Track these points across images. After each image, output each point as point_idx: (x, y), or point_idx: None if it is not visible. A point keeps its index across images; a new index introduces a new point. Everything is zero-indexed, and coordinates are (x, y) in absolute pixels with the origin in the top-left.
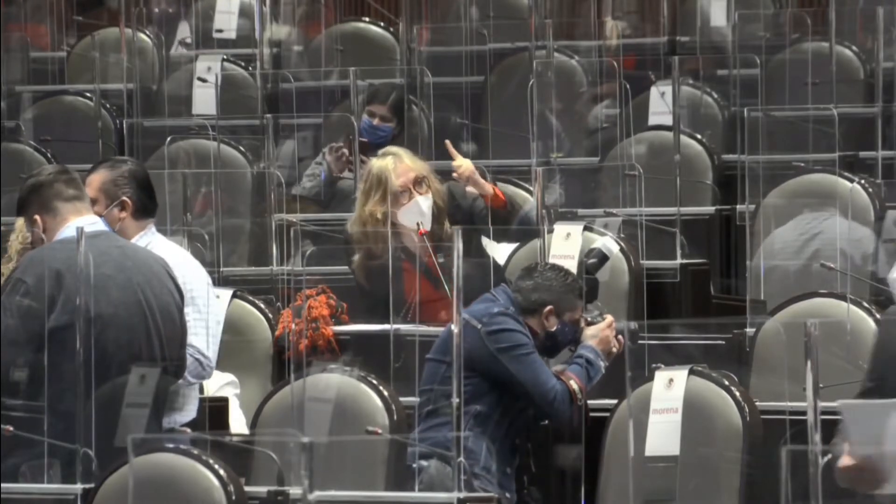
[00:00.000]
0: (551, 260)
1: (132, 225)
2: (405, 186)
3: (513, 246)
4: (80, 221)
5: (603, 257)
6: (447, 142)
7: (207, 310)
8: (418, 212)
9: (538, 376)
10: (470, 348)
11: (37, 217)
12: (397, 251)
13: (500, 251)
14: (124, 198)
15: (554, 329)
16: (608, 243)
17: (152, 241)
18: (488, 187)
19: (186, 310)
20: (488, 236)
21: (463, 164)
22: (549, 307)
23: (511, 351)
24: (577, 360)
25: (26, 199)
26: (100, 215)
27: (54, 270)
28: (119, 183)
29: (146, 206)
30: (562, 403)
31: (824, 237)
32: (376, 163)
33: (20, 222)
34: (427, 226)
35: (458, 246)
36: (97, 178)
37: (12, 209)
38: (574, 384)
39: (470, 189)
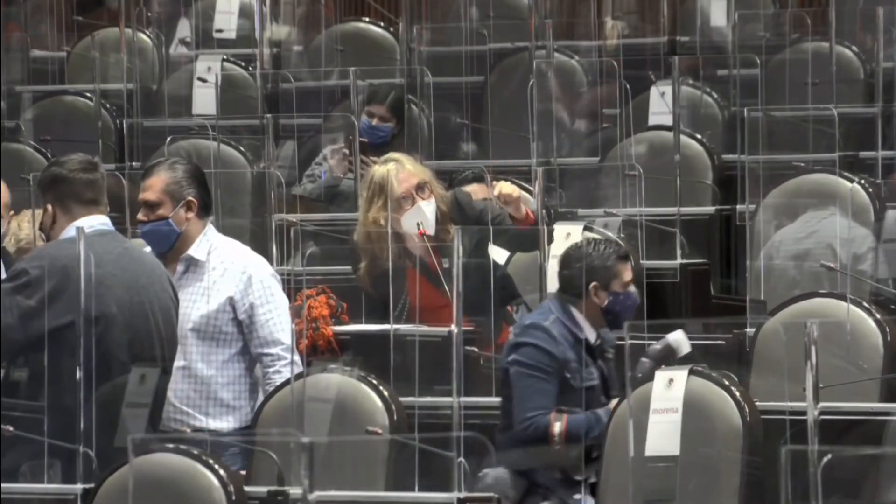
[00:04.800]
0: (551, 260)
1: (196, 224)
2: (407, 192)
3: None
4: (86, 221)
5: (668, 353)
6: (495, 189)
7: (285, 304)
8: (421, 217)
9: (528, 400)
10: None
11: (49, 207)
12: (402, 256)
13: (499, 253)
14: (189, 198)
15: (606, 303)
16: (681, 342)
17: (213, 240)
18: (523, 211)
19: (267, 307)
20: (489, 240)
21: (504, 188)
22: (593, 284)
23: (519, 366)
24: (588, 413)
25: (46, 185)
26: (166, 218)
27: (61, 265)
28: (182, 183)
29: (207, 203)
30: (531, 436)
31: (819, 236)
32: (378, 169)
33: (14, 224)
34: (431, 230)
35: (458, 246)
36: (159, 181)
37: (12, 209)
38: (558, 427)
39: (475, 192)
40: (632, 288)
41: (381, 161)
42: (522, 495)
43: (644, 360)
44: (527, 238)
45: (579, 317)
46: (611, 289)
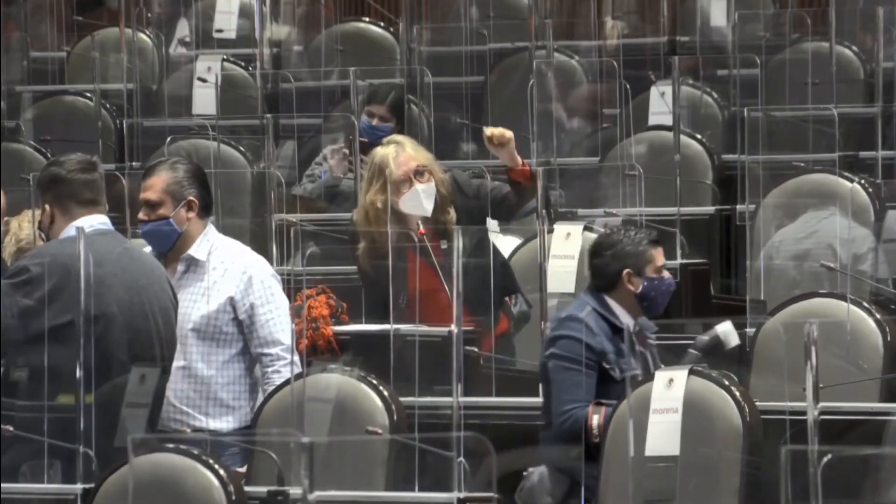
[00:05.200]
0: (551, 260)
1: (197, 224)
2: (406, 175)
3: (518, 240)
4: (86, 221)
5: (716, 344)
6: (485, 130)
7: (285, 304)
8: (418, 200)
9: (566, 393)
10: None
11: (48, 207)
12: (401, 241)
13: (505, 243)
14: (190, 197)
15: (640, 289)
16: (729, 334)
17: (214, 240)
18: (518, 160)
19: (268, 307)
20: (495, 221)
21: (496, 130)
22: (626, 271)
23: (557, 359)
24: None
25: (45, 185)
26: (167, 217)
27: (62, 264)
28: (183, 183)
29: (208, 203)
30: (569, 430)
31: (819, 236)
32: (379, 151)
33: (14, 224)
34: (428, 214)
35: (458, 245)
36: (160, 181)
37: (12, 209)
38: (596, 420)
39: (475, 179)
40: (666, 273)
41: (384, 143)
42: (566, 494)
43: (691, 351)
44: (525, 191)
45: (615, 306)
46: (645, 274)
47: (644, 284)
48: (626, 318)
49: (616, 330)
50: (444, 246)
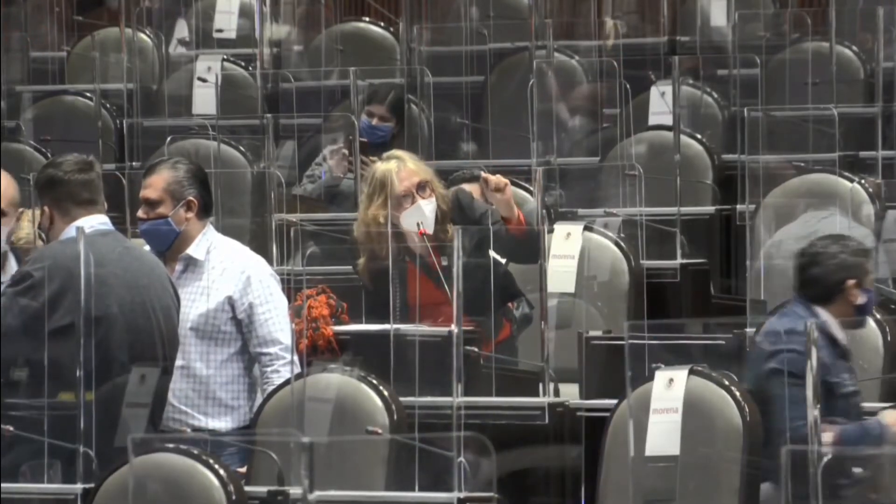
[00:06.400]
0: (551, 260)
1: (196, 224)
2: (408, 190)
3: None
4: (85, 221)
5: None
6: (483, 174)
7: (283, 303)
8: (421, 216)
9: (792, 410)
10: (752, 366)
11: (47, 208)
12: (401, 254)
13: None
14: (190, 197)
15: (865, 300)
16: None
17: (213, 240)
18: (515, 212)
19: (266, 306)
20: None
21: (492, 177)
22: (852, 282)
23: (782, 375)
24: (862, 421)
25: (42, 188)
26: (165, 216)
27: (65, 266)
28: (183, 183)
29: (208, 204)
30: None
31: (819, 236)
32: (380, 166)
33: (24, 220)
34: (430, 230)
35: (458, 246)
36: (160, 180)
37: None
38: (828, 436)
39: (479, 199)
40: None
41: (384, 158)
42: None
43: None
44: (523, 247)
45: (827, 317)
46: (865, 286)
47: (866, 296)
48: (836, 330)
49: (833, 343)
50: (444, 262)
